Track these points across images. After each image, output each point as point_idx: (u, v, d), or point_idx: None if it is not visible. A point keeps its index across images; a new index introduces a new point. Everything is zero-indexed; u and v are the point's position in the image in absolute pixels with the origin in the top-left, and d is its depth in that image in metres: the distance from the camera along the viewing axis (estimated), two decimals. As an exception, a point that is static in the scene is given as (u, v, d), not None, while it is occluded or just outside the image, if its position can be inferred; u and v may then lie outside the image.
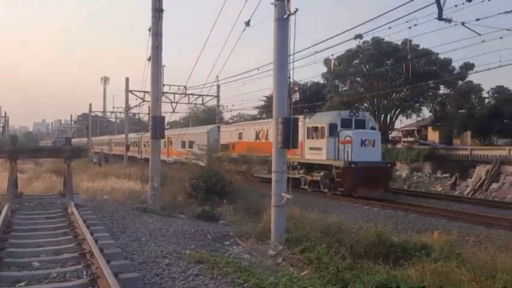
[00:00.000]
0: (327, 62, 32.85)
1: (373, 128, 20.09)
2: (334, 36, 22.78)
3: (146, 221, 10.24)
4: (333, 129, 19.09)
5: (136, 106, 37.94)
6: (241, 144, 25.69)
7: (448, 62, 33.39)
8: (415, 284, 6.21)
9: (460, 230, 11.33)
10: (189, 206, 13.65)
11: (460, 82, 34.46)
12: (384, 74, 33.52)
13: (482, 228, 11.94)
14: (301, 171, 20.83)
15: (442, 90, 35.64)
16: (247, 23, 12.17)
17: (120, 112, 47.50)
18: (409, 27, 16.41)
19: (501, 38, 16.24)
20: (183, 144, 31.38)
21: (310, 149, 20.07)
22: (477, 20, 14.79)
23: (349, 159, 17.86)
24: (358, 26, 19.94)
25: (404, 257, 8.17)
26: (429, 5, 13.76)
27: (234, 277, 5.98)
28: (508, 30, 15.26)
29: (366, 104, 36.48)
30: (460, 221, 12.90)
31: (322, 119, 20.12)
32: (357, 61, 35.47)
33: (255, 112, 48.10)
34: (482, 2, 13.00)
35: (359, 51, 34.30)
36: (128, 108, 39.63)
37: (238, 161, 23.56)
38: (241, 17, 11.93)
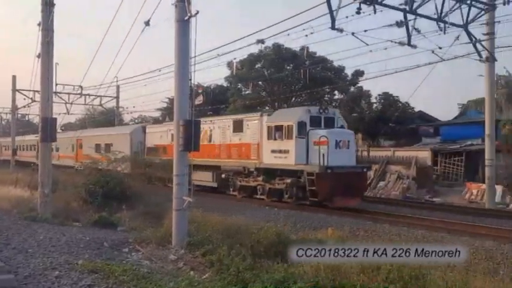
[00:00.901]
0: (230, 65, 33.26)
1: (342, 127, 17.55)
2: (236, 40, 23.08)
3: (35, 231, 9.47)
4: (302, 129, 16.30)
5: (24, 106, 35.00)
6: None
7: (341, 69, 35.76)
8: (310, 279, 6.53)
9: (351, 226, 12.15)
10: (84, 213, 12.90)
11: (352, 88, 37.10)
12: (284, 79, 34.83)
13: (371, 223, 12.95)
14: (259, 179, 17.96)
15: (337, 95, 38.07)
16: (147, 23, 11.89)
17: (6, 113, 43.55)
18: (306, 35, 17.36)
19: (386, 48, 17.74)
20: (98, 148, 28.18)
21: (273, 152, 17.00)
22: (365, 31, 16.08)
23: (325, 163, 15.19)
24: (259, 31, 20.39)
25: (302, 254, 8.50)
26: (323, 15, 14.70)
27: (131, 285, 5.77)
28: (391, 41, 16.69)
29: (267, 108, 37.59)
30: (350, 217, 13.82)
31: (289, 117, 17.05)
32: (259, 65, 36.41)
33: (158, 114, 47.05)
34: (370, 15, 14.06)
35: (261, 55, 35.26)
36: (15, 108, 36.37)
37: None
38: (144, 17, 11.63)
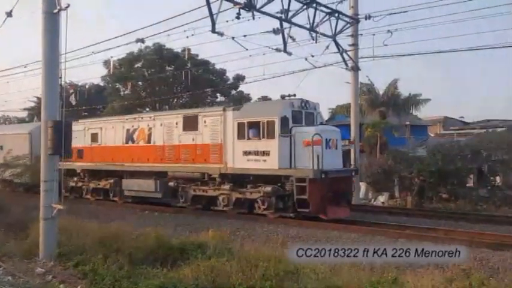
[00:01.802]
0: (107, 63, 31.67)
1: (322, 124, 15.11)
2: (113, 38, 22.05)
3: None
4: (285, 125, 13.58)
5: None
6: (98, 150, 19.21)
7: (223, 72, 36.35)
8: (189, 282, 6.52)
9: (232, 227, 12.39)
10: None
11: (234, 91, 37.95)
12: (165, 80, 34.27)
13: (252, 223, 13.31)
14: (225, 187, 14.71)
15: (219, 98, 38.59)
16: (9, 14, 10.77)
17: None
18: (187, 37, 17.32)
19: (264, 54, 18.49)
20: None
21: (246, 154, 14.06)
22: (244, 36, 16.60)
23: (321, 167, 12.77)
24: (139, 29, 19.78)
25: (182, 258, 8.44)
26: (204, 17, 14.82)
27: (-12, 306, 5.14)
28: (269, 47, 17.46)
29: (147, 109, 36.66)
30: (232, 219, 14.04)
31: (268, 111, 14.03)
32: (138, 65, 35.32)
33: (24, 114, 42.88)
34: (248, 20, 14.53)
35: (141, 55, 34.24)
36: None
37: (93, 173, 18.87)
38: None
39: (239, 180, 14.54)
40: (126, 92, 35.94)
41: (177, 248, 8.78)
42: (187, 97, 34.85)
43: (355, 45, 18.18)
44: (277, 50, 17.09)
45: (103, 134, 19.10)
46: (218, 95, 37.75)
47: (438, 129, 41.09)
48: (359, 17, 17.82)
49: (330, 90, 79.92)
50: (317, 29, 16.49)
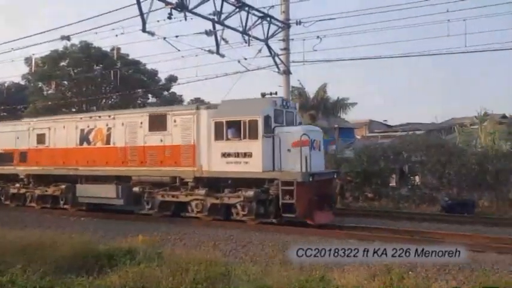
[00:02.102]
0: (28, 61, 29.81)
1: (301, 124, 14.53)
2: (34, 35, 20.78)
3: None
4: (267, 125, 12.84)
5: None
6: (45, 153, 17.38)
7: (155, 72, 35.55)
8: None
9: (163, 231, 12.17)
10: None
11: (166, 92, 37.27)
12: (93, 79, 32.90)
13: (182, 228, 13.12)
14: (200, 192, 13.65)
15: (151, 99, 37.70)
16: None
17: None
18: (116, 35, 16.80)
19: (197, 55, 18.38)
20: None
21: (224, 156, 13.08)
22: (176, 36, 16.42)
23: (309, 169, 12.27)
24: (63, 26, 18.82)
25: (110, 264, 8.15)
26: (134, 16, 14.46)
27: None
28: (202, 49, 17.39)
29: (74, 109, 34.97)
30: (162, 223, 13.69)
31: (249, 109, 13.07)
32: (64, 63, 33.59)
33: None
34: (180, 21, 14.40)
35: (66, 53, 32.60)
36: None
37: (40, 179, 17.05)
38: None
39: (215, 184, 13.59)
40: (50, 92, 34.03)
41: (105, 255, 8.47)
42: (116, 98, 33.70)
43: (286, 49, 18.59)
44: (210, 51, 17.08)
45: (52, 135, 17.25)
46: (150, 96, 36.86)
47: (364, 131, 43.21)
48: (290, 22, 18.26)
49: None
50: (249, 32, 16.71)
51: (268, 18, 17.34)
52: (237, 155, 12.91)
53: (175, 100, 37.14)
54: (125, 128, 15.30)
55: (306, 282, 6.52)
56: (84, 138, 16.39)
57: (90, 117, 16.95)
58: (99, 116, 16.62)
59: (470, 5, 18.83)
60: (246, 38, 16.87)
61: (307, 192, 12.23)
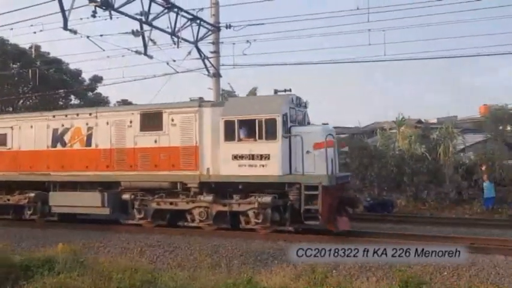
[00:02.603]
0: None
1: (309, 124, 13.37)
2: None
3: None
4: (285, 124, 11.68)
5: None
6: (7, 156, 15.03)
7: (78, 72, 33.91)
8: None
9: (85, 238, 11.65)
10: None
11: (90, 93, 35.68)
12: (10, 78, 30.71)
13: (104, 233, 12.61)
14: (205, 198, 12.23)
15: (73, 100, 35.88)
16: None
17: None
18: (35, 32, 15.87)
19: (123, 56, 17.84)
20: None
21: (236, 158, 11.76)
22: (101, 35, 15.84)
23: (335, 172, 11.54)
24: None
25: (26, 276, 7.65)
26: (55, 13, 13.73)
27: None
28: (128, 49, 16.91)
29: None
30: (83, 230, 13.12)
31: (266, 107, 11.79)
32: (-24, 60, 31.02)
33: None
34: (106, 20, 13.92)
35: (-22, 49, 30.15)
36: None
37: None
38: None
39: (222, 189, 12.26)
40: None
41: (20, 266, 7.92)
42: (36, 98, 31.72)
43: (216, 52, 18.59)
44: (137, 52, 16.70)
45: (15, 135, 15.01)
46: (72, 97, 35.08)
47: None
48: (220, 25, 18.29)
49: (193, 95, 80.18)
50: (178, 34, 16.51)
51: (198, 21, 17.26)
52: (252, 157, 11.65)
53: (101, 101, 35.67)
54: (110, 127, 13.56)
55: (233, 286, 6.55)
56: (57, 139, 14.36)
57: (66, 115, 14.74)
58: (77, 114, 14.50)
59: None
60: (175, 39, 16.65)
61: (330, 197, 11.34)
